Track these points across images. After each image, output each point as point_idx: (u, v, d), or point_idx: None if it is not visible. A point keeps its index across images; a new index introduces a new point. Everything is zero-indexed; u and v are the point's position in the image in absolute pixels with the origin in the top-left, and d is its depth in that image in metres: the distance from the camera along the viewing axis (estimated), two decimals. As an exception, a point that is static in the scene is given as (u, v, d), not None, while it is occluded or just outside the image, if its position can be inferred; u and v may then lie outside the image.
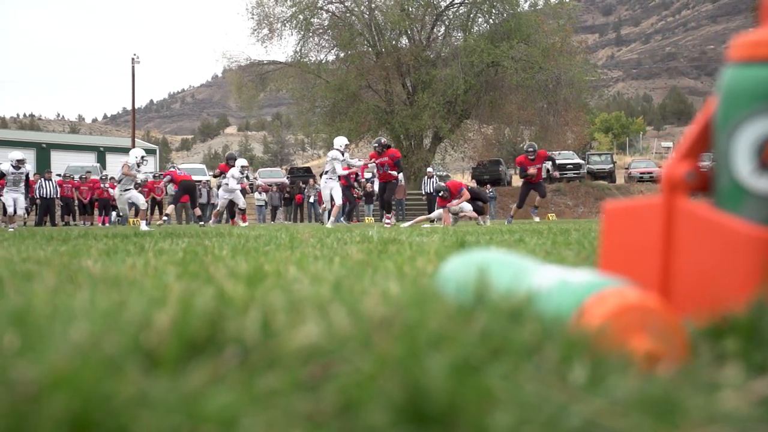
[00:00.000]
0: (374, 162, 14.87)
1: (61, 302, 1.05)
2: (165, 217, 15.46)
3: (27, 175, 15.72)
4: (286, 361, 0.71)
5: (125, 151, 49.91)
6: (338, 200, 14.45)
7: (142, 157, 14.33)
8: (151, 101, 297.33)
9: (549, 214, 31.62)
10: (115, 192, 14.41)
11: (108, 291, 1.38)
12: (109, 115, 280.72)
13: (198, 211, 18.38)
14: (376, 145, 14.86)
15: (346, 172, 14.73)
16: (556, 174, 17.14)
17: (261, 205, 30.87)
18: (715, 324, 0.89)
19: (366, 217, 28.98)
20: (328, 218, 14.75)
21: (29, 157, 47.68)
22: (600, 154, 43.00)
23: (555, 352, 0.74)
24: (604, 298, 0.85)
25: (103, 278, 1.69)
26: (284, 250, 3.24)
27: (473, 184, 32.90)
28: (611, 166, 40.04)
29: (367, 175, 29.85)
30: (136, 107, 45.93)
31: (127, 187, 14.28)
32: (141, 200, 14.30)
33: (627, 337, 0.80)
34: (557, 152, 38.09)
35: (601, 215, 1.13)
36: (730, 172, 1.02)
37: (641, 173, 38.74)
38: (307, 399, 0.63)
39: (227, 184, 16.85)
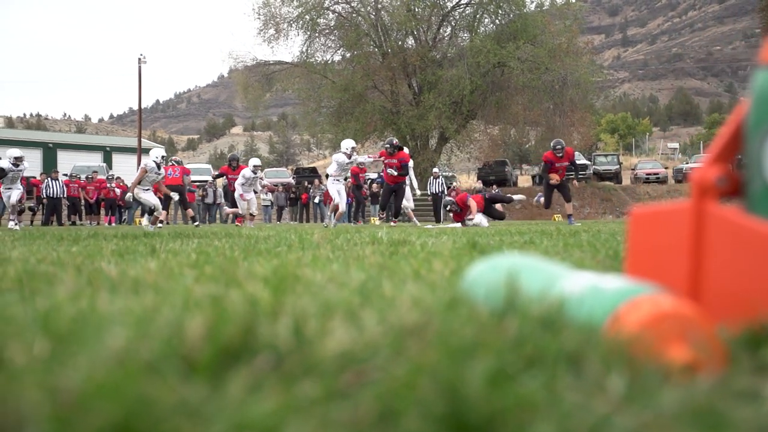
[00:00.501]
0: (382, 160, 14.63)
1: (88, 306, 1.04)
2: (160, 224, 15.08)
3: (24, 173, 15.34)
4: (321, 368, 0.70)
5: (132, 151, 50.08)
6: (342, 205, 14.31)
7: (162, 157, 13.93)
8: (158, 101, 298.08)
9: (555, 215, 31.61)
10: (136, 191, 13.86)
11: (130, 294, 1.37)
12: (115, 115, 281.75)
13: (190, 212, 17.73)
14: (388, 145, 14.54)
15: (335, 172, 14.39)
16: (575, 183, 15.56)
17: (267, 206, 30.89)
18: (753, 332, 0.88)
19: (372, 218, 28.98)
20: (331, 219, 14.66)
21: (36, 156, 48.02)
22: (606, 155, 42.91)
23: (592, 361, 0.73)
24: (639, 305, 0.83)
25: (121, 281, 1.69)
26: (296, 252, 3.24)
27: (479, 184, 32.87)
28: (617, 167, 39.98)
29: (373, 175, 29.85)
30: (142, 107, 46.02)
31: (146, 187, 13.88)
32: (157, 204, 13.98)
33: (662, 345, 0.79)
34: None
35: (627, 219, 1.11)
36: (763, 177, 1.01)
37: (647, 174, 38.66)
38: (346, 407, 0.62)
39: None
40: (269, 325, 0.79)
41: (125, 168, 46.55)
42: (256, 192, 16.96)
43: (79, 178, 28.64)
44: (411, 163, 16.19)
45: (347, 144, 14.37)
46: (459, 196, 15.35)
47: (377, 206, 29.22)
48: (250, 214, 16.82)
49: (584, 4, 41.61)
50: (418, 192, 16.22)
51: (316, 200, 30.03)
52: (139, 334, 0.76)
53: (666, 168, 42.29)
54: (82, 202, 28.05)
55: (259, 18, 35.59)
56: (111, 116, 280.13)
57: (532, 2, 35.66)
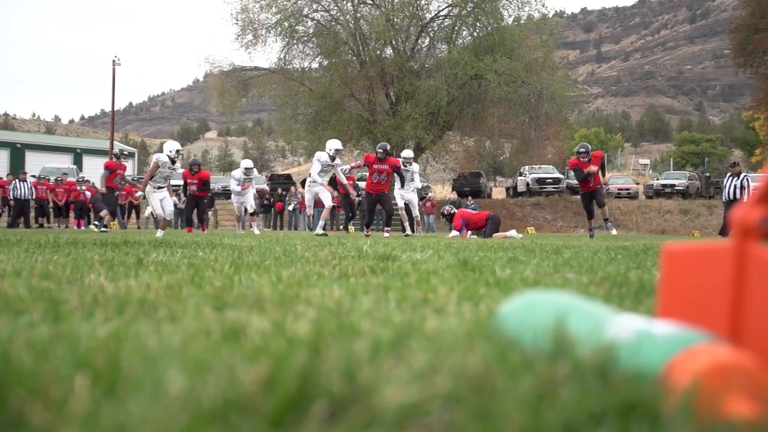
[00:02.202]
0: (365, 165, 13.43)
1: (116, 334, 0.99)
2: (96, 222, 13.79)
3: None
4: (384, 421, 0.67)
5: (103, 153, 49.45)
6: (327, 202, 13.44)
7: (177, 151, 12.66)
8: (131, 104, 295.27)
9: (528, 228, 31.82)
10: (148, 190, 12.55)
11: (142, 317, 1.33)
12: (86, 117, 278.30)
13: (103, 213, 15.88)
14: (381, 150, 13.23)
15: (319, 178, 13.31)
16: (608, 187, 14.79)
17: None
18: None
19: (349, 226, 28.80)
20: (315, 224, 14.19)
21: (3, 157, 47.18)
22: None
23: (657, 417, 0.71)
24: (694, 354, 0.82)
25: (124, 300, 1.64)
26: (286, 266, 3.20)
27: (454, 195, 33.00)
28: (590, 181, 40.35)
29: (361, 183, 29.70)
30: (114, 109, 45.56)
31: (160, 185, 12.60)
32: (169, 206, 12.68)
33: (722, 398, 0.77)
34: (537, 166, 38.42)
35: (661, 258, 1.10)
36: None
37: (619, 189, 39.16)
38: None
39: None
40: (323, 372, 0.76)
41: (96, 171, 45.95)
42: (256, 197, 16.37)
43: (48, 179, 28.13)
44: (416, 167, 15.35)
45: (332, 145, 13.42)
46: (456, 221, 14.68)
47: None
48: (251, 214, 16.39)
49: (560, 19, 42.03)
50: (414, 188, 15.21)
51: (290, 208, 29.87)
52: (195, 377, 0.72)
53: (637, 183, 42.92)
54: (50, 204, 27.52)
55: (237, 23, 35.46)
56: (82, 117, 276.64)
57: (510, 16, 35.97)
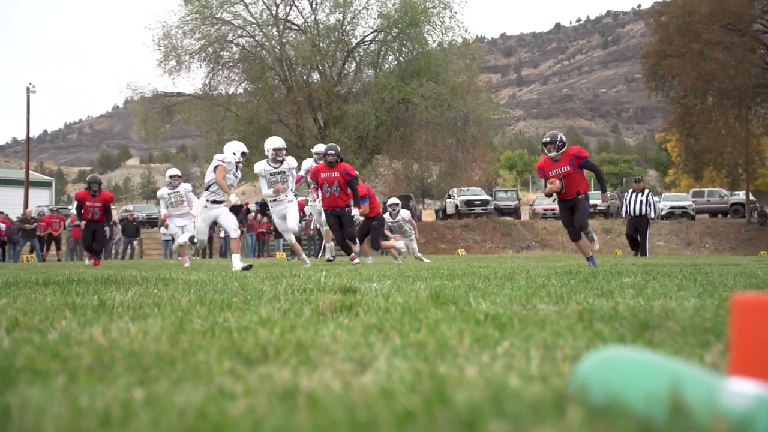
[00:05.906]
0: (313, 183, 11.07)
1: (198, 413, 0.86)
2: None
3: None
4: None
5: (18, 183, 47.34)
6: (294, 223, 10.55)
7: (243, 153, 9.52)
8: (45, 131, 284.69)
9: (458, 250, 32.16)
10: (195, 204, 9.99)
11: (184, 380, 1.19)
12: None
13: None
14: (332, 152, 10.47)
15: (270, 191, 10.30)
16: (606, 197, 9.68)
17: (167, 240, 29.71)
18: None
19: (277, 252, 28.45)
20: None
21: None
22: (506, 191, 44.27)
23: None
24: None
25: (139, 354, 1.48)
26: (255, 305, 3.04)
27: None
28: (517, 202, 41.23)
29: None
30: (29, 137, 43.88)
31: (217, 198, 9.61)
32: (232, 225, 9.82)
33: None
34: (465, 188, 38.99)
35: (731, 310, 1.04)
36: None
37: (545, 210, 40.10)
38: None
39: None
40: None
41: (11, 202, 43.83)
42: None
43: (-40, 211, 26.76)
44: None
45: (269, 144, 10.34)
46: (362, 189, 11.92)
47: (281, 240, 28.41)
48: (192, 242, 11.61)
49: (481, 44, 42.95)
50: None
51: (222, 235, 29.27)
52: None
53: (562, 203, 43.94)
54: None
55: (159, 49, 34.76)
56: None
57: (434, 41, 36.53)
